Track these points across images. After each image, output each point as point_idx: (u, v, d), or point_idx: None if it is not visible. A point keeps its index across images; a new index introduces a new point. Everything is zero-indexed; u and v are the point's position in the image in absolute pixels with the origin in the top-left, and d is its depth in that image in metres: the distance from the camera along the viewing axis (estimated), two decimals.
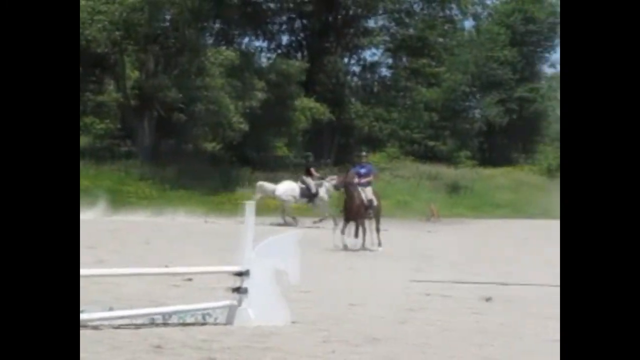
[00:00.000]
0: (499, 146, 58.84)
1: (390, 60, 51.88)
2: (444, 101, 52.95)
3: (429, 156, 51.63)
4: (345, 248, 20.87)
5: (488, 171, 53.73)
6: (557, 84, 66.37)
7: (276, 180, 33.92)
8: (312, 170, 31.42)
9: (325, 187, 30.23)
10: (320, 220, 28.82)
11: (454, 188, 48.74)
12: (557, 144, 62.74)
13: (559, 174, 57.19)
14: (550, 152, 60.18)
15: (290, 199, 30.38)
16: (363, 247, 21.59)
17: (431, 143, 52.69)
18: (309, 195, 30.25)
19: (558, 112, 67.60)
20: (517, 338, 9.75)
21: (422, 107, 51.26)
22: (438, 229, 29.40)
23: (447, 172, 50.55)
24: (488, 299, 12.67)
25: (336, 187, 22.02)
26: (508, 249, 24.01)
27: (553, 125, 63.87)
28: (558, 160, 59.56)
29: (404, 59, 51.29)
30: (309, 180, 30.59)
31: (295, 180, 31.59)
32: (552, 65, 62.14)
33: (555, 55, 60.82)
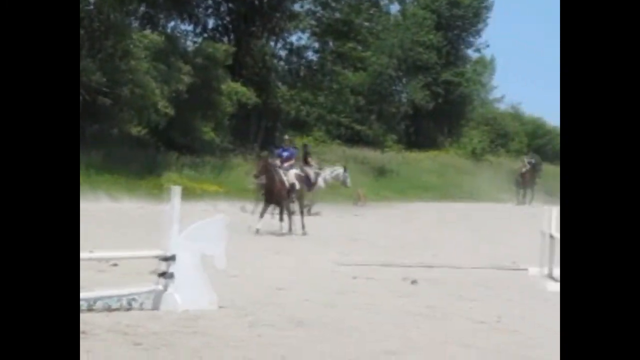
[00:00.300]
0: (425, 130, 59.20)
1: (316, 44, 51.74)
2: (370, 85, 53.06)
3: (355, 140, 51.74)
4: (257, 232, 20.50)
5: (414, 155, 54.08)
6: (482, 68, 67.01)
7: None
8: (310, 159, 30.92)
9: (323, 177, 30.06)
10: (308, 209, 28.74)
11: (380, 172, 48.95)
12: (483, 127, 63.44)
13: (483, 157, 57.86)
14: (475, 136, 60.80)
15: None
16: (290, 231, 21.56)
17: (358, 127, 52.80)
18: (308, 184, 29.76)
19: (483, 96, 68.33)
20: (443, 320, 9.86)
21: (349, 91, 51.29)
22: (365, 213, 29.51)
23: (373, 155, 50.72)
24: (413, 282, 12.78)
25: (255, 177, 21.71)
26: (434, 232, 24.21)
27: (478, 109, 64.53)
28: (483, 144, 60.24)
29: (330, 43, 51.21)
30: (307, 169, 30.19)
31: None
32: (477, 50, 62.67)
33: (480, 40, 61.36)
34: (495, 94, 72.51)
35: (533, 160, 45.43)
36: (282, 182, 21.53)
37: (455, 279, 13.55)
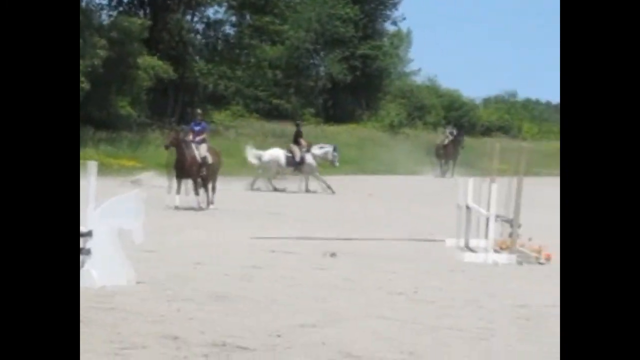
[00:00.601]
0: (343, 103, 59.33)
1: (233, 18, 51.44)
2: (288, 59, 53.02)
3: (274, 114, 51.68)
4: (177, 208, 20.44)
5: (332, 128, 54.17)
6: (398, 41, 67.37)
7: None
8: (301, 139, 30.52)
9: (312, 154, 29.75)
10: (329, 187, 28.49)
11: None
12: (400, 100, 63.81)
13: (401, 130, 58.25)
14: (393, 109, 61.16)
15: (274, 166, 29.60)
16: (207, 205, 21.49)
17: (276, 101, 52.76)
18: (294, 163, 29.48)
19: (400, 69, 68.71)
20: (361, 292, 9.94)
21: (267, 65, 51.18)
22: (284, 186, 29.53)
23: (292, 129, 50.57)
24: (332, 255, 12.84)
25: (166, 147, 21.50)
26: (352, 204, 24.34)
27: (395, 82, 64.87)
28: (400, 117, 60.63)
29: (248, 17, 50.96)
30: (295, 148, 29.85)
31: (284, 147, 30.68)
32: (394, 23, 62.97)
33: (397, 13, 61.62)
34: (412, 67, 73.02)
35: (455, 132, 45.24)
36: (193, 157, 21.39)
37: (373, 251, 13.67)
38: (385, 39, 62.40)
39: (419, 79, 72.80)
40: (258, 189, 28.53)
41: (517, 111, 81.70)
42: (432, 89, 70.86)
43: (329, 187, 28.36)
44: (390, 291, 9.97)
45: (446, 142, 43.99)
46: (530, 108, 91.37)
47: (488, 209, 13.46)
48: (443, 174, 42.79)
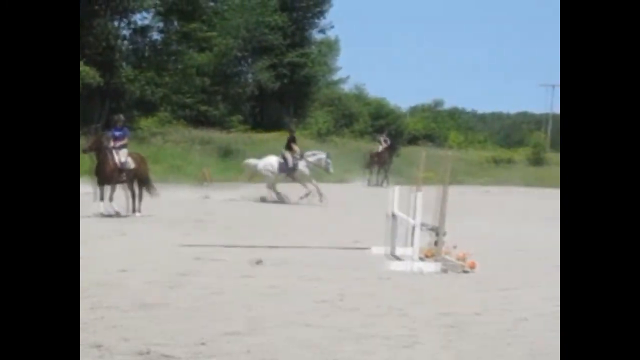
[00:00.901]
0: (271, 110, 59.34)
1: (161, 24, 51.20)
2: (216, 65, 52.87)
3: (201, 120, 51.48)
4: (102, 215, 20.34)
5: (260, 135, 54.14)
6: (326, 49, 67.60)
7: None
8: (293, 145, 30.07)
9: (305, 161, 29.29)
10: (306, 195, 28.13)
11: (226, 152, 48.82)
12: (327, 108, 63.99)
13: (328, 138, 58.41)
14: (320, 116, 61.37)
15: (268, 174, 29.19)
16: (133, 213, 21.36)
17: (203, 107, 52.55)
18: (286, 169, 29.06)
19: (327, 77, 68.95)
20: (287, 299, 9.94)
21: (194, 72, 51.00)
22: (211, 194, 29.41)
23: (219, 136, 50.56)
24: (258, 262, 12.83)
25: (84, 151, 21.26)
26: (280, 212, 24.35)
27: (323, 89, 65.09)
28: (327, 124, 60.83)
29: (175, 23, 50.79)
30: (287, 154, 29.44)
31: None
32: (322, 31, 63.22)
33: (325, 21, 61.83)
34: (340, 75, 73.38)
35: (389, 140, 44.91)
36: (112, 163, 21.28)
37: (300, 258, 13.67)
38: (313, 47, 62.62)
39: (346, 87, 73.20)
40: (264, 199, 28.33)
41: (443, 120, 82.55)
42: (360, 97, 71.27)
43: (320, 193, 28.12)
44: (315, 299, 9.98)
45: (380, 149, 43.64)
46: (456, 117, 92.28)
47: (414, 217, 13.56)
48: (379, 182, 42.65)
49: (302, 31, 60.55)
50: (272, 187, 29.03)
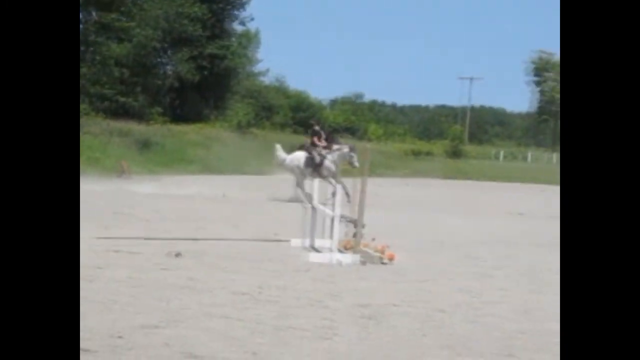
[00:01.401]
0: (191, 102, 59.08)
1: (79, 15, 50.58)
2: (135, 57, 52.42)
3: (120, 112, 51.03)
4: None
5: (180, 127, 53.90)
6: (247, 41, 67.45)
7: None
8: (315, 139, 28.99)
9: (331, 157, 28.23)
10: (333, 195, 27.05)
11: (145, 144, 48.50)
12: (248, 100, 63.87)
13: (249, 130, 58.36)
14: (241, 109, 61.25)
15: (295, 168, 28.11)
16: None
17: (122, 99, 52.10)
18: (312, 164, 27.99)
19: (248, 69, 68.82)
20: (206, 291, 9.92)
21: (113, 63, 50.52)
22: (130, 186, 29.17)
23: (138, 128, 50.20)
24: (177, 255, 12.77)
25: None
26: (200, 205, 24.26)
27: (243, 82, 64.96)
28: (248, 117, 60.74)
29: (93, 14, 50.24)
30: (313, 150, 28.47)
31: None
32: (242, 23, 63.07)
33: (245, 13, 61.67)
34: (260, 67, 73.30)
35: (323, 133, 43.60)
36: None
37: (219, 251, 13.64)
38: (233, 39, 62.48)
39: (267, 80, 73.18)
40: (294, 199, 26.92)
41: (363, 113, 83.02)
42: (280, 90, 71.33)
43: (347, 193, 27.05)
44: (234, 291, 9.97)
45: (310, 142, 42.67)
46: (375, 110, 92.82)
47: (333, 210, 13.62)
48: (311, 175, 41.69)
49: (222, 23, 60.37)
50: (301, 185, 27.77)
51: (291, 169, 28.53)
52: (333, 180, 27.12)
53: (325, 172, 27.95)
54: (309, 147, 28.83)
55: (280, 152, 29.78)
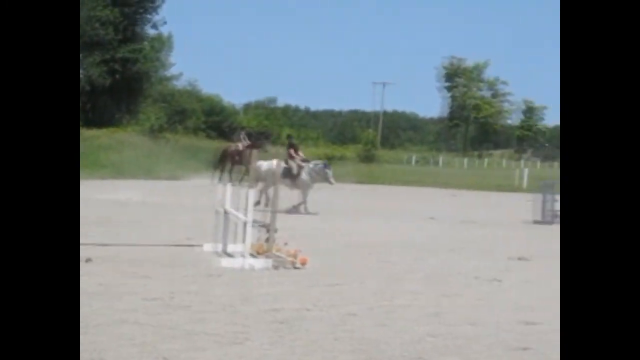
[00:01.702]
0: (102, 107, 58.50)
1: None
2: None
3: None
4: None
5: (92, 132, 53.28)
6: (159, 45, 67.05)
7: None
8: (292, 151, 28.34)
9: (308, 169, 27.66)
10: (300, 205, 26.53)
11: None
12: (160, 104, 63.44)
13: (161, 134, 57.97)
14: (153, 113, 60.84)
15: (269, 176, 26.80)
16: None
17: None
18: (290, 175, 27.36)
19: (160, 73, 68.43)
20: (116, 297, 9.84)
21: None
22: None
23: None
24: (88, 260, 12.64)
25: None
26: (110, 210, 24.02)
27: (156, 86, 64.55)
28: (160, 121, 60.34)
29: None
30: (290, 161, 27.85)
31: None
32: (155, 26, 62.66)
33: (157, 16, 61.28)
34: (173, 71, 72.91)
35: (247, 137, 41.84)
36: None
37: (130, 256, 13.54)
38: (145, 43, 62.05)
39: (179, 84, 72.79)
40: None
41: (277, 117, 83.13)
42: (193, 94, 71.05)
43: (305, 207, 26.86)
44: (145, 297, 9.91)
45: (241, 147, 40.47)
46: (289, 114, 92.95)
47: (245, 214, 13.62)
48: (240, 180, 39.13)
49: (134, 26, 59.91)
50: (265, 190, 27.44)
51: (265, 176, 27.69)
52: (307, 193, 27.59)
53: (300, 184, 28.01)
54: (287, 159, 28.71)
55: (260, 162, 28.72)
